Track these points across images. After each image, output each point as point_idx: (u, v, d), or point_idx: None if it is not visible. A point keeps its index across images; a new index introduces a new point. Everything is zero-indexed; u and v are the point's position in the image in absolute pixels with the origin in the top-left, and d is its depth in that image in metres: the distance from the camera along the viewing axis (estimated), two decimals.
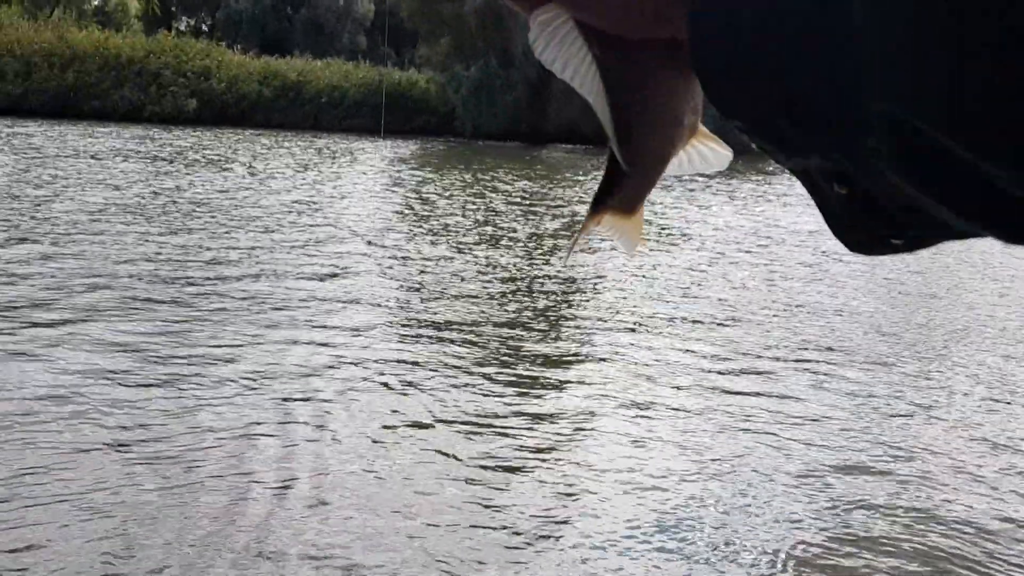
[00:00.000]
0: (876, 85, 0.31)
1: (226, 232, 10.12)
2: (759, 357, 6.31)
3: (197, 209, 11.72)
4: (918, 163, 0.31)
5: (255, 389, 4.91)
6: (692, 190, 18.11)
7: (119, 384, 4.88)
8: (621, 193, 0.52)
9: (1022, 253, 11.91)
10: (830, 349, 6.66)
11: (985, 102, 0.28)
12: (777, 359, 6.29)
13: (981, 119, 0.28)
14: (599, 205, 0.53)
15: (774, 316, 7.67)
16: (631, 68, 0.46)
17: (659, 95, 0.47)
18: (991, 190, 0.29)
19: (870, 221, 0.39)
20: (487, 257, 9.60)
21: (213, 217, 11.15)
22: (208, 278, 7.71)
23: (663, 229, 12.30)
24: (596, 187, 0.52)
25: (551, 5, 0.45)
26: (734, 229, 12.83)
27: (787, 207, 16.03)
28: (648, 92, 0.47)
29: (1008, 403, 5.66)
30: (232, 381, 5.05)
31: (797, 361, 6.27)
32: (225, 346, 5.70)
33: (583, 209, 14.56)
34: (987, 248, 12.37)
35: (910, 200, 0.33)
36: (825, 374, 5.99)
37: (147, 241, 9.16)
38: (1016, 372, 6.37)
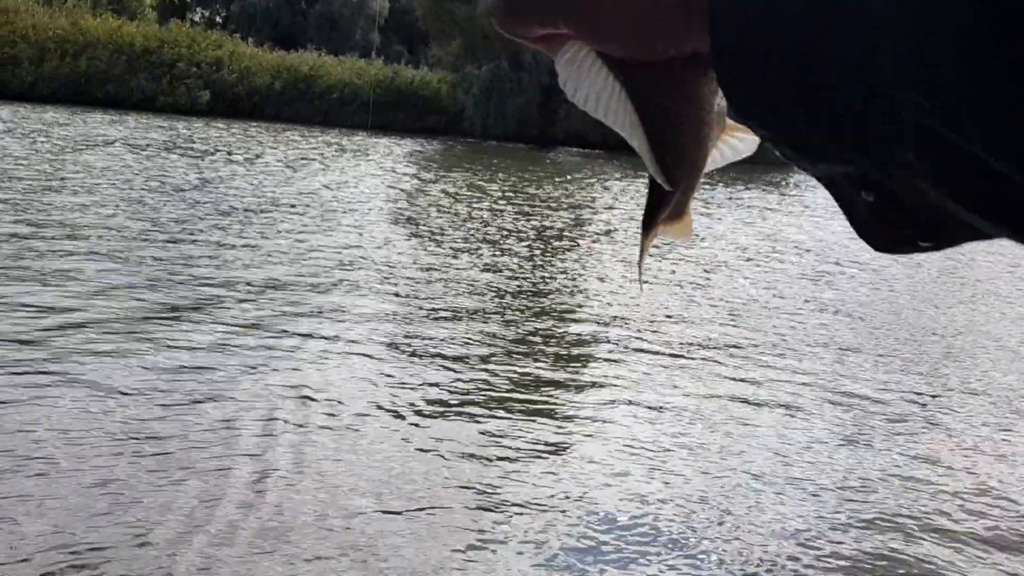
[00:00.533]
0: (888, 68, 0.31)
1: (231, 225, 10.21)
2: (761, 366, 6.38)
3: (202, 202, 11.81)
4: (946, 168, 0.31)
5: (246, 403, 4.84)
6: (696, 198, 18.15)
7: (117, 379, 4.97)
8: (668, 209, 0.53)
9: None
10: (834, 360, 6.74)
11: (988, 89, 0.27)
12: (781, 368, 6.37)
13: (985, 107, 0.28)
14: (650, 225, 0.54)
15: (775, 326, 7.74)
16: (659, 88, 0.46)
17: (689, 107, 0.48)
18: (1013, 191, 0.29)
19: (898, 225, 0.38)
20: (492, 257, 9.68)
21: (219, 210, 11.23)
22: (209, 275, 7.79)
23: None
24: (643, 208, 0.54)
25: (573, 42, 0.45)
26: (738, 238, 12.91)
27: (791, 217, 16.10)
28: (679, 107, 0.47)
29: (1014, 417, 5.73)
30: (221, 388, 5.04)
31: (801, 372, 6.34)
32: (219, 345, 5.72)
33: (588, 215, 14.62)
34: (990, 263, 12.42)
35: (939, 203, 0.33)
36: (829, 385, 6.06)
37: (151, 233, 9.25)
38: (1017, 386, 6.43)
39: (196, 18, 49.12)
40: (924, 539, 3.85)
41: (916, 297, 9.87)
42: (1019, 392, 6.30)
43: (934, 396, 6.03)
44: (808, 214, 16.90)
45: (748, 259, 11.21)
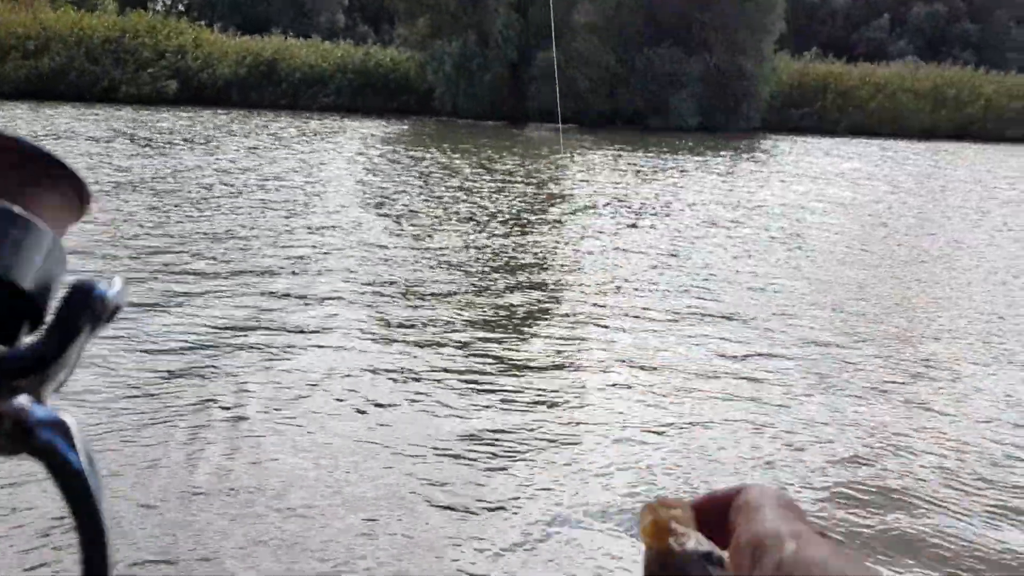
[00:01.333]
0: None
1: (202, 215, 10.19)
2: (740, 343, 6.50)
3: (172, 190, 11.76)
4: None
5: (210, 398, 4.76)
6: (669, 170, 18.24)
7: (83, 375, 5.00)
8: None
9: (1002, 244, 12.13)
10: (809, 341, 6.87)
11: None
12: (762, 349, 6.49)
13: None
14: None
15: (752, 297, 7.85)
16: None
17: None
18: None
19: None
20: (467, 235, 9.73)
21: (191, 199, 11.20)
22: (182, 264, 7.81)
23: (642, 205, 12.46)
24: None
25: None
26: (709, 205, 13.00)
27: (762, 183, 16.21)
28: None
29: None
30: (188, 382, 4.96)
31: (781, 347, 6.47)
32: (188, 341, 5.67)
33: (560, 189, 14.67)
34: (976, 241, 12.61)
35: None
36: (800, 353, 6.19)
37: (121, 227, 9.23)
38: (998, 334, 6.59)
39: (158, 7, 48.38)
40: (925, 504, 3.99)
41: (885, 258, 10.03)
42: (992, 334, 6.46)
43: (917, 364, 6.18)
44: (777, 179, 17.03)
45: (720, 224, 11.29)
